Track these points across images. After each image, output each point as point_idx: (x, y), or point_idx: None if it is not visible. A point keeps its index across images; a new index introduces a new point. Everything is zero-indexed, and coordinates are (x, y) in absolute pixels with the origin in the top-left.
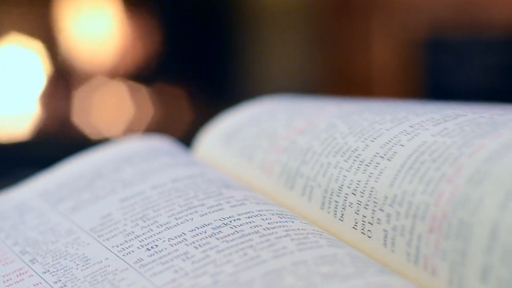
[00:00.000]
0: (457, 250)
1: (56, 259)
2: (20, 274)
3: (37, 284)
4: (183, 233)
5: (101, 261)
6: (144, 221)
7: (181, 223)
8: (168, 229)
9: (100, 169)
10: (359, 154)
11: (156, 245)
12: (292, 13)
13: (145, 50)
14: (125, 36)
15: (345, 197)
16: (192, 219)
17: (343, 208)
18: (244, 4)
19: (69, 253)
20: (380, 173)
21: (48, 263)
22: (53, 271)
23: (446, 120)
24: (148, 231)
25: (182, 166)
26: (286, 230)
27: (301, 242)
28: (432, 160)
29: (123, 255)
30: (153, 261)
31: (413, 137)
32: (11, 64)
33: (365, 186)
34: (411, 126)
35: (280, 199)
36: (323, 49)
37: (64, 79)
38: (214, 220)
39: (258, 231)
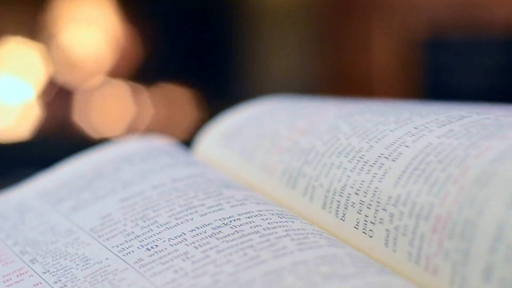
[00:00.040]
0: (460, 250)
1: (56, 259)
2: (20, 274)
3: (37, 284)
4: (183, 233)
5: (101, 261)
6: (144, 221)
7: (181, 223)
8: (168, 229)
9: (100, 169)
10: (363, 155)
11: (156, 245)
12: (292, 13)
13: (145, 50)
14: (126, 36)
15: (348, 197)
16: (192, 219)
17: (345, 208)
18: (244, 4)
19: (69, 253)
20: (385, 173)
21: (48, 263)
22: (53, 271)
23: (451, 122)
24: (148, 231)
25: (182, 166)
26: (286, 230)
27: (301, 242)
28: (438, 161)
29: (123, 255)
30: (153, 261)
31: (418, 139)
32: (11, 63)
33: (368, 186)
34: (415, 128)
35: (281, 199)
36: (323, 49)
37: (65, 79)
38: (214, 220)
39: (258, 231)
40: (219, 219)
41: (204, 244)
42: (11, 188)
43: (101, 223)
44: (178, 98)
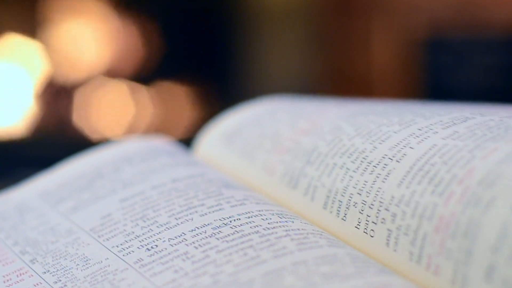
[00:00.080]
0: (463, 249)
1: (56, 259)
2: (20, 274)
3: (37, 284)
4: (183, 233)
5: (101, 261)
6: (144, 221)
7: (181, 223)
8: (168, 229)
9: (100, 169)
10: (367, 156)
11: (156, 245)
12: (292, 13)
13: (145, 50)
14: (125, 35)
15: (350, 197)
16: (192, 219)
17: (347, 208)
18: (244, 4)
19: (69, 253)
20: (388, 174)
21: (48, 263)
22: (53, 271)
23: (455, 123)
24: (148, 231)
25: (182, 166)
26: (286, 230)
27: (301, 242)
28: (443, 162)
29: (123, 255)
30: (153, 261)
31: (422, 140)
32: (10, 62)
33: (371, 186)
34: (419, 129)
35: (282, 199)
36: (323, 49)
37: (63, 78)
38: (214, 220)
39: (258, 231)
40: (219, 219)
41: (204, 244)
42: (11, 188)
43: (101, 223)
44: (178, 98)
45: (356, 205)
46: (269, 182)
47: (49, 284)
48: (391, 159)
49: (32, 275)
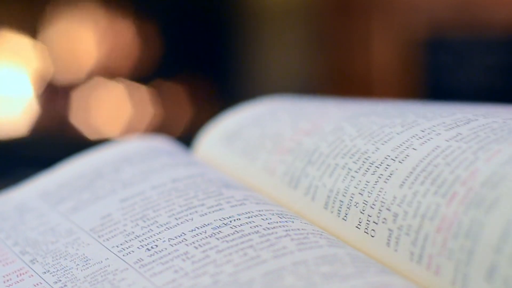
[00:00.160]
0: (464, 249)
1: (56, 259)
2: (20, 274)
3: (37, 284)
4: (183, 233)
5: (101, 261)
6: (144, 221)
7: (181, 223)
8: (168, 229)
9: (100, 169)
10: (369, 156)
11: (156, 245)
12: (292, 13)
13: (145, 49)
14: (125, 35)
15: (351, 197)
16: (192, 219)
17: (348, 208)
18: (244, 4)
19: (69, 253)
20: (391, 174)
21: (48, 263)
22: (53, 271)
23: (458, 125)
24: (148, 231)
25: (182, 166)
26: (286, 230)
27: (301, 242)
28: (446, 164)
29: (123, 255)
30: (153, 261)
31: (425, 142)
32: (9, 61)
33: (373, 187)
34: (422, 131)
35: (282, 199)
36: (323, 49)
37: (62, 78)
38: (214, 220)
39: (258, 231)
40: (219, 219)
41: (204, 244)
42: (11, 188)
43: (101, 223)
44: (178, 98)
45: (357, 205)
46: (269, 182)
47: (49, 284)
48: (393, 160)
49: (32, 275)
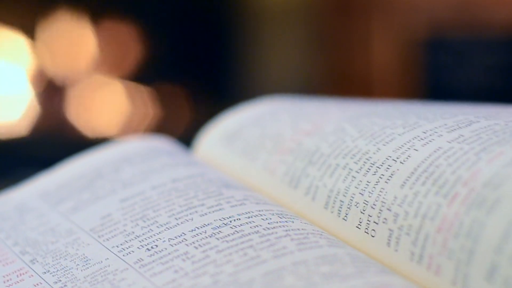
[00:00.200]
0: (465, 249)
1: (56, 259)
2: (20, 275)
3: (37, 284)
4: (183, 233)
5: (101, 261)
6: (144, 221)
7: (181, 223)
8: (168, 229)
9: (100, 169)
10: (370, 157)
11: (156, 245)
12: (292, 13)
13: (145, 49)
14: (125, 35)
15: (352, 197)
16: (192, 219)
17: (348, 208)
18: (244, 4)
19: (69, 253)
20: (392, 175)
21: (48, 263)
22: (53, 272)
23: (460, 127)
24: (148, 231)
25: (182, 166)
26: (286, 230)
27: (301, 242)
28: (448, 164)
29: (123, 255)
30: (153, 261)
31: (427, 143)
32: (8, 61)
33: (374, 187)
34: (424, 132)
35: (282, 199)
36: (323, 49)
37: (61, 77)
38: (214, 220)
39: (258, 231)
40: (219, 219)
41: (204, 244)
42: (11, 188)
43: (101, 223)
44: (178, 98)
45: (357, 205)
46: (269, 182)
47: (49, 284)
48: (395, 161)
49: (32, 275)
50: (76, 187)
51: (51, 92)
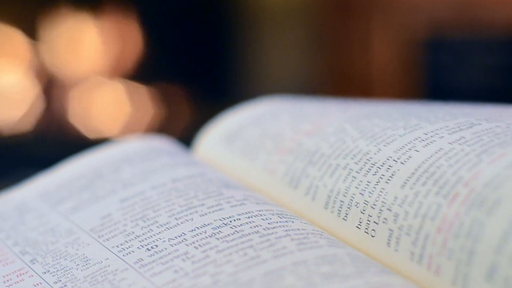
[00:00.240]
0: (465, 249)
1: (56, 259)
2: (20, 275)
3: (37, 284)
4: (183, 233)
5: (101, 261)
6: (144, 221)
7: (181, 223)
8: (168, 229)
9: (100, 169)
10: (371, 157)
11: (156, 245)
12: (292, 13)
13: (145, 49)
14: (125, 35)
15: (352, 197)
16: (192, 219)
17: (348, 208)
18: (244, 4)
19: (69, 253)
20: (392, 175)
21: (48, 263)
22: (53, 271)
23: (461, 129)
24: (148, 231)
25: (182, 166)
26: (286, 230)
27: (301, 242)
28: (449, 165)
29: (123, 255)
30: (153, 261)
31: (428, 144)
32: (7, 60)
33: (374, 187)
34: (425, 134)
35: (282, 199)
36: (323, 49)
37: (61, 77)
38: (214, 220)
39: (258, 231)
40: (219, 219)
41: (204, 244)
42: (11, 188)
43: (101, 223)
44: (178, 98)
45: (357, 205)
46: (269, 182)
47: (49, 284)
48: (395, 161)
49: (32, 275)
50: (76, 187)
51: (52, 92)
